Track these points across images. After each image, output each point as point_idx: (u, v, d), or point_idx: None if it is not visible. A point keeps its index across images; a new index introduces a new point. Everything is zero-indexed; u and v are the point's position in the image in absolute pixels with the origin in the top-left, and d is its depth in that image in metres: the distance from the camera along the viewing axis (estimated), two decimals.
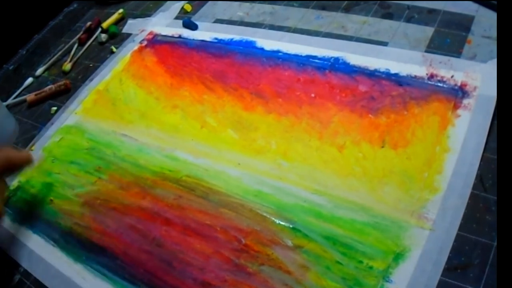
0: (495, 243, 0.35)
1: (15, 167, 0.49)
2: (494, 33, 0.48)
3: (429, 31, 0.51)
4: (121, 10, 0.78)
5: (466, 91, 0.44)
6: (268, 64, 0.56)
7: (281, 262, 0.40)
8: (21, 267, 0.49)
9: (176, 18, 0.70)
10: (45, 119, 0.66)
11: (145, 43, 0.68)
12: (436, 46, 0.49)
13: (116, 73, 0.66)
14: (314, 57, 0.54)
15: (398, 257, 0.37)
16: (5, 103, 0.70)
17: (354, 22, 0.56)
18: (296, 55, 0.55)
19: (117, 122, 0.59)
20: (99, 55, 0.72)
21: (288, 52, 0.56)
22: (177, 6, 0.72)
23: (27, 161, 0.50)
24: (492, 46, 0.47)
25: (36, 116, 0.68)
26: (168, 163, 0.51)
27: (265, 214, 0.43)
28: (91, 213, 0.50)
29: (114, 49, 0.71)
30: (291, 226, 0.42)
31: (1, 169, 0.46)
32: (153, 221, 0.47)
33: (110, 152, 0.56)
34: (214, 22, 0.66)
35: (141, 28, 0.72)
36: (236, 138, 0.51)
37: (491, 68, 0.44)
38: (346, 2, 0.59)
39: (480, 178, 0.39)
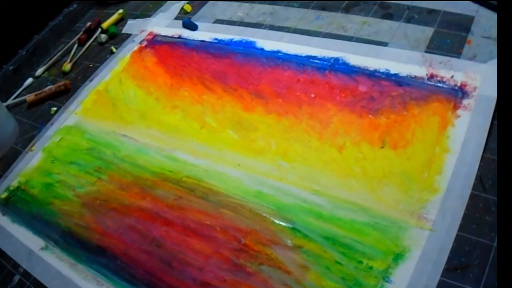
0: (495, 244, 0.35)
1: None
2: (494, 33, 0.48)
3: (429, 31, 0.51)
4: (121, 11, 0.78)
5: (466, 91, 0.44)
6: (268, 65, 0.56)
7: (281, 262, 0.40)
8: (21, 267, 0.49)
9: (176, 18, 0.70)
10: (45, 119, 0.66)
11: (145, 43, 0.68)
12: (436, 47, 0.49)
13: (116, 73, 0.66)
14: (314, 57, 0.54)
15: (398, 257, 0.37)
16: (5, 104, 0.70)
17: (354, 22, 0.56)
18: (296, 56, 0.55)
19: (117, 123, 0.59)
20: (99, 56, 0.72)
21: (288, 53, 0.56)
22: (177, 6, 0.72)
23: None
24: (492, 47, 0.47)
25: (36, 116, 0.68)
26: (168, 163, 0.51)
27: (264, 215, 0.43)
28: (91, 214, 0.50)
29: (114, 50, 0.71)
30: (290, 226, 0.42)
31: None
32: (153, 221, 0.47)
33: (110, 153, 0.56)
34: (214, 22, 0.66)
35: (141, 29, 0.72)
36: (236, 138, 0.51)
37: (491, 68, 0.44)
38: (346, 2, 0.59)
39: (480, 179, 0.39)
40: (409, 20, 0.54)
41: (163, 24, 0.70)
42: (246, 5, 0.67)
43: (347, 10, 0.58)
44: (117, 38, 0.74)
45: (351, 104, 0.48)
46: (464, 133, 0.41)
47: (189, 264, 0.42)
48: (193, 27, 0.66)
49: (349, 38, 0.54)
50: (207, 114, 0.54)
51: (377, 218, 0.39)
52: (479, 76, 0.44)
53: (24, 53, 0.78)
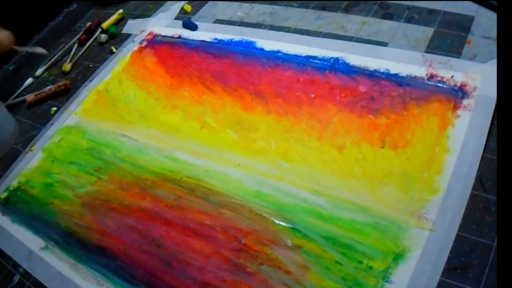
0: (495, 244, 0.35)
1: None
2: (494, 33, 0.48)
3: (429, 31, 0.51)
4: (121, 11, 0.78)
5: (466, 91, 0.44)
6: (268, 65, 0.56)
7: (281, 262, 0.40)
8: (21, 267, 0.49)
9: (176, 18, 0.70)
10: (45, 119, 0.66)
11: (145, 43, 0.68)
12: (436, 47, 0.49)
13: (116, 73, 0.66)
14: (314, 57, 0.54)
15: (398, 257, 0.37)
16: (5, 104, 0.70)
17: (354, 22, 0.56)
18: (296, 56, 0.55)
19: (116, 123, 0.59)
20: (99, 56, 0.72)
21: (288, 53, 0.56)
22: (177, 6, 0.72)
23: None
24: (492, 47, 0.47)
25: (36, 116, 0.68)
26: (168, 163, 0.51)
27: (264, 215, 0.43)
28: (91, 214, 0.50)
29: (114, 50, 0.71)
30: (290, 226, 0.42)
31: None
32: (153, 221, 0.47)
33: (110, 153, 0.56)
34: (214, 22, 0.66)
35: (141, 29, 0.72)
36: (236, 138, 0.51)
37: (491, 68, 0.44)
38: (346, 2, 0.59)
39: (480, 179, 0.39)
40: (409, 20, 0.54)
41: (163, 24, 0.70)
42: (246, 5, 0.67)
43: (347, 10, 0.58)
44: (117, 38, 0.74)
45: (351, 104, 0.48)
46: (464, 133, 0.41)
47: (189, 264, 0.42)
48: (193, 27, 0.66)
49: (349, 38, 0.54)
50: (207, 114, 0.54)
51: (377, 218, 0.39)
52: (479, 76, 0.44)
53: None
